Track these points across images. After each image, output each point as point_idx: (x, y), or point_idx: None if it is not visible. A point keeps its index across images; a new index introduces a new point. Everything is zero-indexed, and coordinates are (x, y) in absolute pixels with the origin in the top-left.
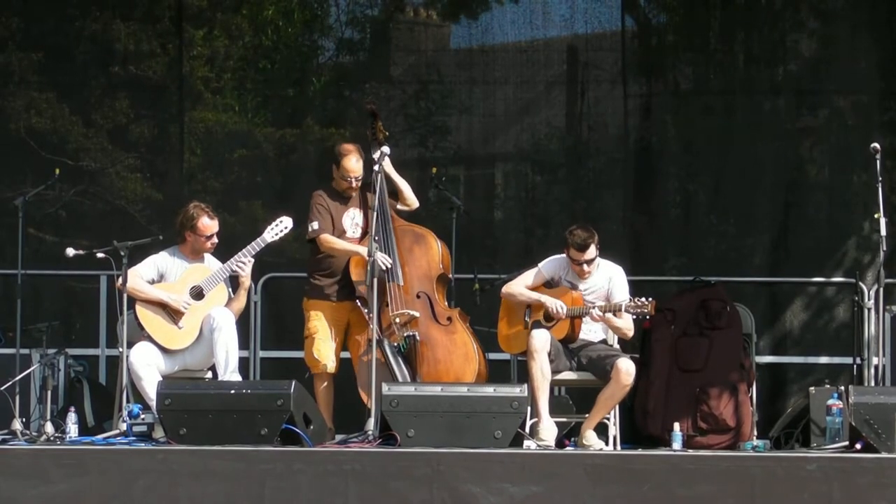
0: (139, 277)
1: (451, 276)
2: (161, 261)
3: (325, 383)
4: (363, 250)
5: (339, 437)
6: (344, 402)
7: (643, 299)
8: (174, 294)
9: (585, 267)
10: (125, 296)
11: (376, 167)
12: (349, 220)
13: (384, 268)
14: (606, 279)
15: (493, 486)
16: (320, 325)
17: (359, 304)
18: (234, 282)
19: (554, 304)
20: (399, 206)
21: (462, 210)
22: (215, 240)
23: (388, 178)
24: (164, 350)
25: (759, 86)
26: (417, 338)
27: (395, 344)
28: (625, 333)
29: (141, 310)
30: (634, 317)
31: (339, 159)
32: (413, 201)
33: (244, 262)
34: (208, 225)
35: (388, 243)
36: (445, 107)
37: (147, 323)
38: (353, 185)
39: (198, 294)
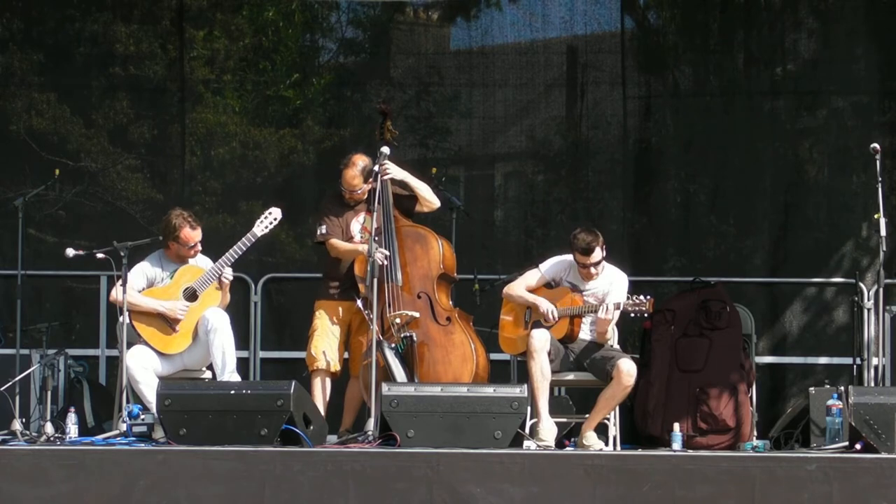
0: (130, 288)
1: (455, 275)
2: (149, 267)
3: (320, 381)
4: (365, 248)
5: (330, 438)
6: (343, 402)
7: (641, 297)
8: (169, 302)
9: (592, 269)
10: (124, 297)
11: (377, 167)
12: (357, 225)
13: (380, 262)
14: (608, 283)
15: (493, 486)
16: (321, 323)
17: (359, 304)
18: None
19: (546, 308)
20: (418, 209)
21: (462, 210)
22: (199, 248)
23: (403, 184)
24: (160, 353)
25: (758, 86)
26: (415, 339)
27: (393, 345)
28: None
29: (136, 321)
30: (633, 315)
31: (341, 168)
32: (432, 201)
33: (226, 267)
34: (191, 235)
35: (389, 244)
36: (446, 108)
37: (143, 331)
38: (350, 196)
39: (191, 295)
